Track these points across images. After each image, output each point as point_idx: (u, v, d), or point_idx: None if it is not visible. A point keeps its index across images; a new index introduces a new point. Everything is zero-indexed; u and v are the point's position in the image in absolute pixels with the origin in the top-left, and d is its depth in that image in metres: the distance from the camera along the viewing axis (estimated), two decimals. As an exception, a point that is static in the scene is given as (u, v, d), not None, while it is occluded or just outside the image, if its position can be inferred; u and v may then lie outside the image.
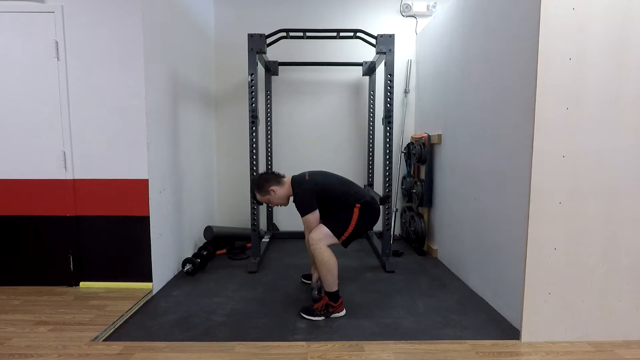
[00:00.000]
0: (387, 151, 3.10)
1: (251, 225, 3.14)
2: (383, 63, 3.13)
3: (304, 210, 2.25)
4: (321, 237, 2.23)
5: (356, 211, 2.29)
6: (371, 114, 3.97)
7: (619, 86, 1.88)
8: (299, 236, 4.06)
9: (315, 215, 2.26)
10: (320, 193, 2.29)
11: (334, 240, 2.26)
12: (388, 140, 3.09)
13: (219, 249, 3.50)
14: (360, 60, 3.91)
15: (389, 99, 3.07)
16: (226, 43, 4.01)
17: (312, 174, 2.42)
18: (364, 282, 2.81)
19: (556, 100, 1.87)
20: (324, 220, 2.32)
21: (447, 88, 3.17)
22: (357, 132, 4.12)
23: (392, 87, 3.07)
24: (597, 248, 1.95)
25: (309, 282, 2.79)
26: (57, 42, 2.51)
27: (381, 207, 3.21)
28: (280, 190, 2.38)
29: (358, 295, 2.56)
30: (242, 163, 3.95)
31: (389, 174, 3.12)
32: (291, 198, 2.39)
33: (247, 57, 3.05)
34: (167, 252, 2.82)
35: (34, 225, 2.64)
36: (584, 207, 1.93)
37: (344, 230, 2.27)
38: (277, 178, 2.41)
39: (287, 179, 2.42)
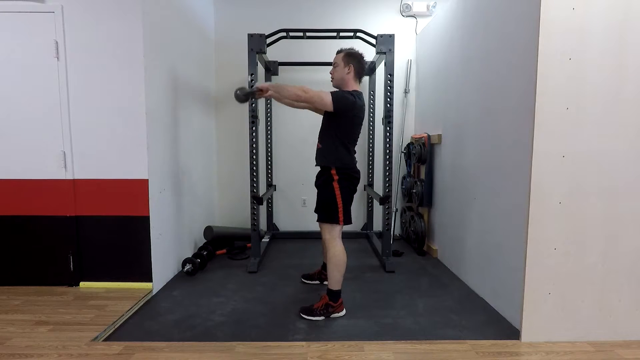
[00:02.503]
0: (387, 151, 3.10)
1: (251, 225, 3.14)
2: (383, 63, 3.13)
3: (332, 94, 2.15)
4: (331, 236, 2.24)
5: (335, 185, 2.23)
6: (371, 114, 3.98)
7: (619, 86, 1.88)
8: (299, 236, 4.07)
9: (328, 98, 2.13)
10: (352, 114, 2.19)
11: (337, 227, 2.25)
12: (388, 140, 3.09)
13: (219, 249, 3.50)
14: (360, 60, 3.91)
15: (389, 99, 3.07)
16: (226, 43, 4.01)
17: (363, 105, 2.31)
18: (364, 282, 2.81)
19: (556, 100, 1.87)
20: (316, 211, 2.32)
21: (447, 88, 3.17)
22: (357, 132, 4.12)
23: (392, 87, 3.07)
24: (597, 248, 1.95)
25: (309, 282, 2.80)
26: (57, 42, 2.51)
27: (381, 207, 3.22)
28: (350, 77, 2.26)
29: (358, 295, 2.56)
30: (242, 163, 3.95)
31: (389, 174, 3.12)
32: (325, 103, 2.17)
33: (247, 57, 3.05)
34: (167, 252, 2.82)
35: (34, 225, 2.64)
36: (584, 207, 1.93)
37: (336, 214, 2.22)
38: (361, 73, 2.32)
39: (357, 85, 2.30)
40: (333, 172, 2.24)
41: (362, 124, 2.33)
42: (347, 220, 2.27)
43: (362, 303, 2.43)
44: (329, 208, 2.24)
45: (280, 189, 4.18)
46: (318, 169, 2.36)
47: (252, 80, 3.04)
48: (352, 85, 2.28)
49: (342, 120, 2.21)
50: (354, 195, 2.35)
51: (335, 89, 2.26)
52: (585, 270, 1.96)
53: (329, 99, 2.15)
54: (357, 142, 2.34)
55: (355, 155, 2.35)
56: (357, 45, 3.83)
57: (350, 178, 2.28)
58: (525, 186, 1.96)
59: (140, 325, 2.13)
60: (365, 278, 2.89)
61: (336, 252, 2.21)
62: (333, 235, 2.24)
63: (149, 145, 2.55)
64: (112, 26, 2.49)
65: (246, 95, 2.27)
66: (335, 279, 2.23)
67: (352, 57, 2.28)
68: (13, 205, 2.63)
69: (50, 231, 2.64)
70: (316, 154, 2.35)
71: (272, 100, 4.03)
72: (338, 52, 2.36)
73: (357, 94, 2.24)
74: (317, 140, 2.34)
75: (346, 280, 2.75)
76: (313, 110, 2.49)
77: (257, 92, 2.30)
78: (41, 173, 2.60)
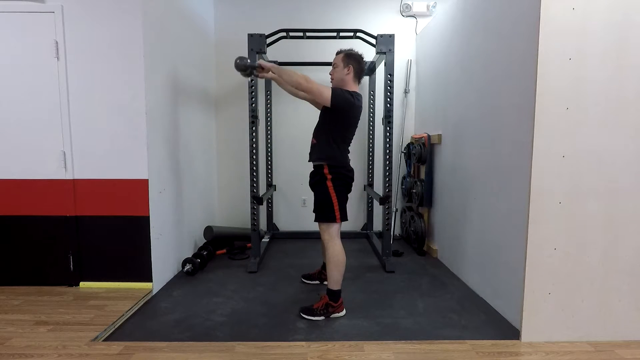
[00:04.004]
0: (387, 151, 3.10)
1: (251, 225, 3.14)
2: (383, 63, 3.13)
3: (332, 90, 2.16)
4: (330, 236, 2.24)
5: (329, 184, 2.24)
6: (371, 114, 3.97)
7: (619, 86, 1.88)
8: (299, 236, 4.07)
9: (327, 93, 2.14)
10: (348, 114, 2.22)
11: (336, 226, 2.25)
12: (388, 140, 3.09)
13: (219, 249, 3.50)
14: (360, 60, 3.91)
15: (389, 99, 3.08)
16: (226, 43, 4.01)
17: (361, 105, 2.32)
18: (364, 282, 2.81)
19: (556, 100, 1.87)
20: (314, 211, 2.31)
21: (447, 88, 3.17)
22: (357, 132, 4.09)
23: (392, 87, 3.07)
24: (597, 248, 1.95)
25: (309, 282, 2.80)
26: (57, 42, 2.51)
27: (381, 207, 3.22)
28: (349, 78, 2.27)
29: (358, 295, 2.56)
30: (242, 163, 3.95)
31: (389, 174, 3.12)
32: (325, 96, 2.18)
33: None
34: (167, 252, 2.82)
35: (34, 225, 2.64)
36: (584, 207, 1.93)
37: (332, 211, 2.22)
38: (361, 74, 2.33)
39: (356, 87, 2.31)
40: (326, 171, 2.25)
41: (357, 126, 2.34)
42: (344, 217, 2.27)
43: (362, 303, 2.43)
44: (325, 207, 2.25)
45: (280, 189, 4.18)
46: None
47: (251, 80, 3.04)
48: (352, 86, 2.29)
49: (338, 117, 2.22)
50: (352, 195, 2.35)
51: (335, 89, 2.25)
52: (585, 270, 1.96)
53: (328, 93, 2.16)
54: (357, 143, 2.35)
55: (350, 154, 2.36)
56: (357, 45, 3.84)
57: (343, 177, 2.28)
58: (525, 186, 1.96)
59: (140, 325, 2.13)
60: (365, 278, 2.89)
61: (335, 252, 2.21)
62: (332, 235, 2.24)
63: (149, 145, 2.55)
64: (112, 26, 2.49)
65: (245, 67, 2.25)
66: (334, 279, 2.23)
67: (351, 58, 2.29)
68: (13, 205, 2.63)
69: (50, 231, 2.63)
70: (310, 149, 2.36)
71: (272, 100, 4.03)
72: (338, 53, 2.36)
73: (356, 95, 2.25)
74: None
75: (346, 280, 2.75)
76: (311, 103, 2.47)
77: (258, 68, 2.28)
78: (41, 173, 2.60)
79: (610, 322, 1.99)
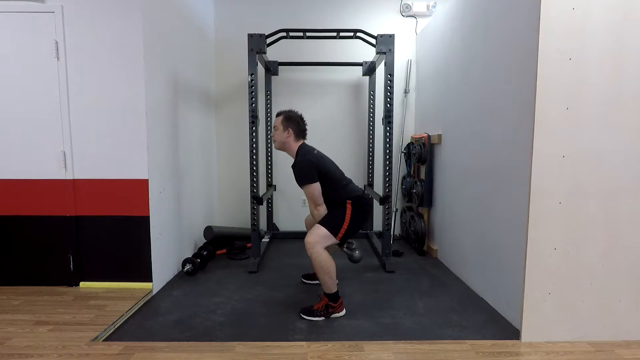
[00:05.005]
0: (387, 151, 3.10)
1: (251, 225, 3.15)
2: (383, 63, 3.13)
3: (303, 180, 2.25)
4: (317, 240, 2.20)
5: (349, 207, 2.28)
6: (371, 114, 3.97)
7: (619, 86, 1.88)
8: (299, 236, 4.05)
9: (316, 187, 2.25)
10: (320, 172, 2.27)
11: (331, 239, 2.24)
12: (388, 140, 3.09)
13: (219, 249, 3.50)
14: (360, 60, 3.91)
15: (389, 99, 3.07)
16: (226, 43, 4.01)
17: (321, 153, 2.42)
18: (364, 282, 2.81)
19: (556, 100, 1.87)
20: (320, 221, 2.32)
21: (447, 88, 3.17)
22: (357, 132, 4.12)
23: (392, 87, 3.07)
24: (597, 248, 1.95)
25: (309, 281, 2.80)
26: (57, 42, 2.51)
27: (381, 207, 3.22)
28: (290, 140, 2.38)
29: (358, 295, 2.56)
30: (242, 163, 3.95)
31: (389, 174, 3.12)
32: (286, 155, 2.33)
33: (247, 57, 3.05)
34: (167, 252, 2.82)
35: (34, 225, 2.64)
36: (584, 207, 1.93)
37: (339, 227, 2.24)
38: (302, 133, 2.42)
39: (301, 142, 2.42)
40: (347, 200, 2.31)
41: (328, 160, 2.41)
42: (342, 241, 2.30)
43: (362, 303, 2.43)
44: (334, 221, 2.26)
45: (280, 189, 4.18)
46: None
47: (252, 80, 3.04)
48: (294, 146, 2.39)
49: (321, 179, 2.28)
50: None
51: (297, 172, 2.29)
52: (585, 270, 1.96)
53: (309, 190, 2.26)
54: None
55: (353, 184, 2.44)
56: (358, 45, 3.86)
57: (362, 205, 2.33)
58: (525, 186, 1.96)
59: (140, 325, 2.13)
60: (365, 278, 2.89)
61: (322, 260, 2.18)
62: (319, 241, 2.20)
63: (149, 145, 2.55)
64: (113, 26, 2.49)
65: (353, 250, 2.36)
66: (328, 285, 2.22)
67: (290, 121, 2.38)
68: (13, 205, 2.63)
69: (50, 231, 2.63)
70: None
71: (272, 100, 4.03)
72: (277, 115, 2.43)
73: (304, 152, 2.33)
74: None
75: (346, 280, 2.77)
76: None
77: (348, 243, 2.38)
78: (41, 173, 2.60)
79: (610, 322, 1.99)
